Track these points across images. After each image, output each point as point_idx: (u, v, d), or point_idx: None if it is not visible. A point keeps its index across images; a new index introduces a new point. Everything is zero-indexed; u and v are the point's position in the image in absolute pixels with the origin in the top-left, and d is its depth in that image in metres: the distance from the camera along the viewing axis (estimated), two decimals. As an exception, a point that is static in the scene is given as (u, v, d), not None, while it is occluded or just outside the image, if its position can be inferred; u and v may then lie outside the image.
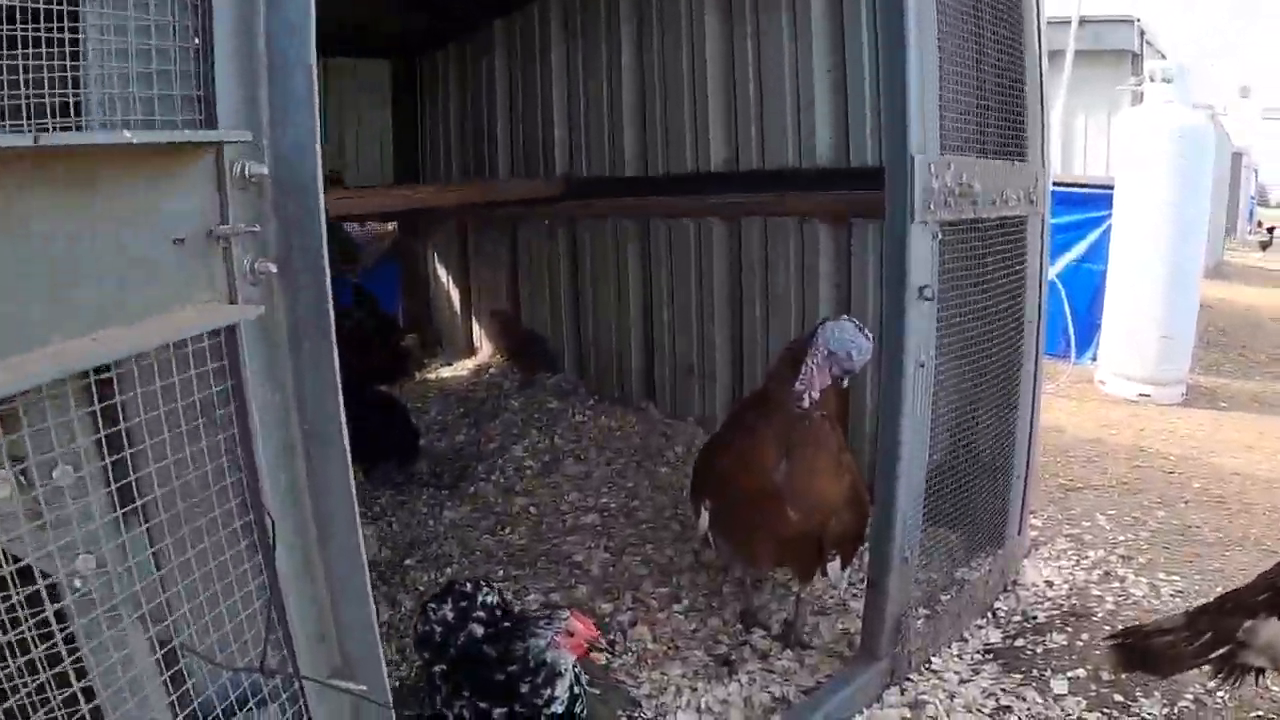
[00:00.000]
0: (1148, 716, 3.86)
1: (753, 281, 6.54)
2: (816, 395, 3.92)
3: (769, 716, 3.91)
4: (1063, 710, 3.95)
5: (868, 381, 5.48)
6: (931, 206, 3.64)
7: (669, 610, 4.74)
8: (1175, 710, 3.85)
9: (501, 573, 5.18)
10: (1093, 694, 4.03)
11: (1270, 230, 21.28)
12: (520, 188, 8.00)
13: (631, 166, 7.34)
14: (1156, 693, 3.96)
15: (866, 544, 4.32)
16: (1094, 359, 9.73)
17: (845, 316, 3.99)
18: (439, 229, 10.23)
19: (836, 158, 5.87)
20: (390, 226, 10.91)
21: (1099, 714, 3.91)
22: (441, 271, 10.30)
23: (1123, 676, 4.06)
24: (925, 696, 4.03)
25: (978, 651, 4.43)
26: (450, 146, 9.84)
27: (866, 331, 3.85)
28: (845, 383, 3.98)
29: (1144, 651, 3.76)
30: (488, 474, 6.57)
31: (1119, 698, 3.97)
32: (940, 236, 3.76)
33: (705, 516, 4.29)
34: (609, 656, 4.17)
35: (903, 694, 4.07)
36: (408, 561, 5.34)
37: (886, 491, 3.87)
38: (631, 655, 4.36)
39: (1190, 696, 3.92)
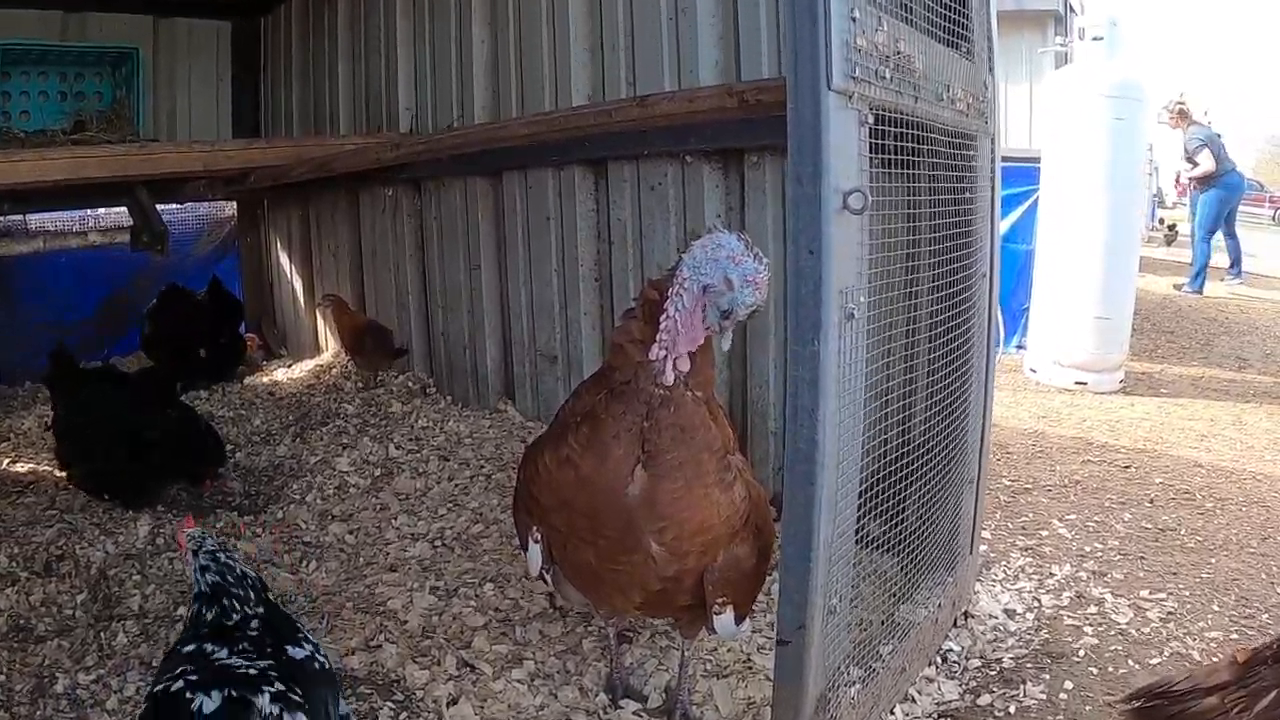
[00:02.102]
0: None
1: (624, 249, 5.41)
2: (685, 365, 2.64)
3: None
4: (1057, 805, 2.86)
5: (770, 346, 4.30)
6: (857, 73, 2.40)
7: (506, 677, 3.46)
8: None
9: (291, 624, 3.88)
10: (1096, 773, 2.97)
11: (1172, 227, 21.25)
12: (355, 142, 6.97)
13: (483, 115, 6.29)
14: None
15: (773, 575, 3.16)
16: (1020, 347, 8.81)
17: (723, 228, 2.64)
18: (281, 212, 9.00)
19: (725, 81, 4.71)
20: (228, 211, 9.61)
21: (1112, 805, 2.85)
22: (284, 260, 9.08)
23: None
24: (863, 801, 2.84)
25: (930, 715, 3.31)
26: (292, 110, 8.69)
27: (758, 252, 2.54)
28: (727, 340, 2.66)
29: (1178, 718, 2.70)
30: (303, 494, 5.29)
31: None
32: (871, 125, 2.53)
33: (536, 550, 3.01)
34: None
35: (833, 796, 2.85)
36: (181, 610, 4.02)
37: (802, 515, 2.59)
38: (446, 746, 3.10)
39: None
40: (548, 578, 3.10)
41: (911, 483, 3.34)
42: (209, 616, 2.73)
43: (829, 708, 2.76)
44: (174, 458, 5.10)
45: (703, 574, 2.82)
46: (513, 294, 6.22)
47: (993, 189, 3.75)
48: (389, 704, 3.28)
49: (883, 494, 3.12)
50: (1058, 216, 8.11)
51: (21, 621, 3.96)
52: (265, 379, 8.00)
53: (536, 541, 2.99)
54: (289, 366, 8.35)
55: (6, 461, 6.06)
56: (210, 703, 2.34)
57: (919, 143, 2.93)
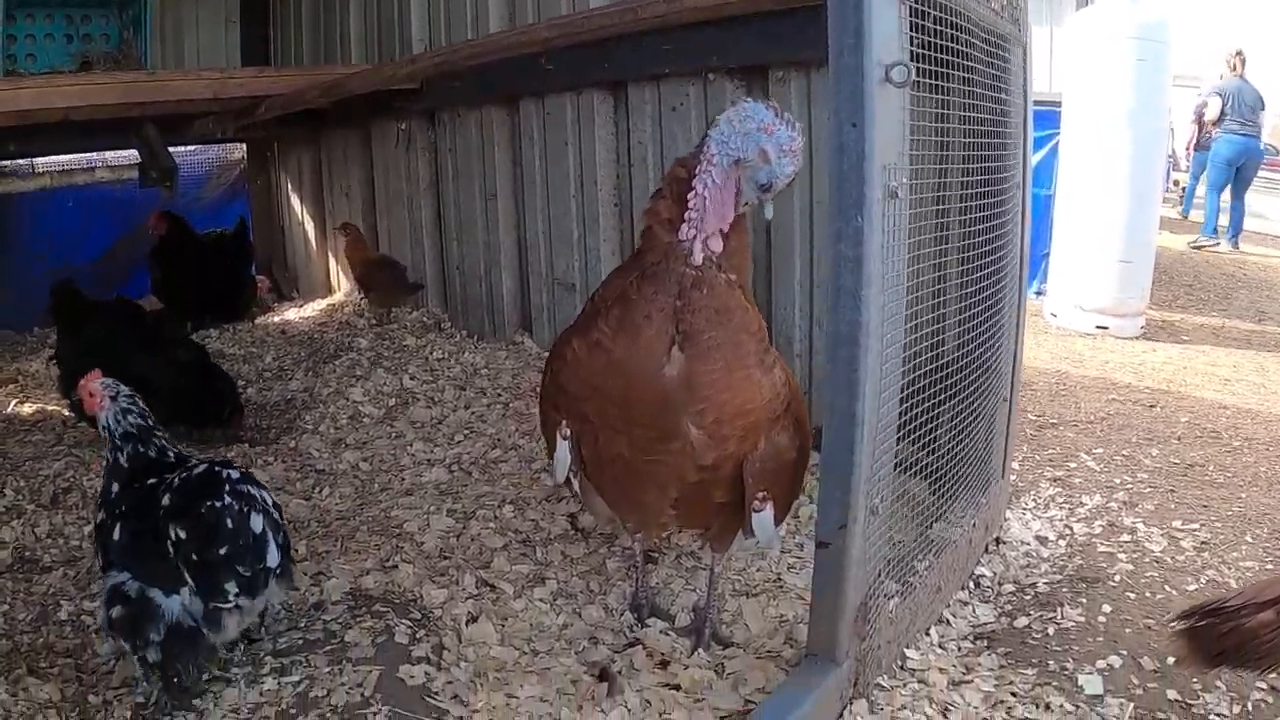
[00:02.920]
0: (1217, 717, 2.75)
1: (645, 173, 5.25)
2: (716, 245, 2.53)
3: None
4: (1102, 719, 2.73)
5: (795, 266, 4.17)
6: (897, -57, 2.26)
7: (528, 596, 3.36)
8: (1248, 706, 2.80)
9: (304, 547, 3.80)
10: (1138, 691, 2.87)
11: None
12: (365, 72, 6.73)
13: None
14: (1220, 685, 2.87)
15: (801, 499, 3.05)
16: (1039, 293, 8.65)
17: (748, 99, 2.52)
18: (291, 154, 8.84)
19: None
20: (238, 153, 9.48)
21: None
22: (295, 202, 8.92)
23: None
24: (907, 713, 2.71)
25: (966, 637, 3.19)
26: (302, 47, 8.47)
27: (789, 117, 2.42)
28: (769, 209, 2.52)
29: (1232, 635, 2.54)
30: (315, 424, 5.18)
31: (1174, 695, 2.85)
32: (914, 3, 2.40)
33: (564, 447, 2.85)
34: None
35: (873, 710, 2.73)
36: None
37: (845, 404, 2.45)
38: (465, 668, 2.98)
39: (1264, 687, 2.87)
40: (575, 483, 2.95)
41: (944, 400, 3.21)
42: (151, 453, 2.98)
43: (869, 618, 2.65)
44: (183, 403, 4.97)
45: (742, 464, 2.70)
46: (529, 223, 6.08)
47: (1025, 101, 3.63)
48: (405, 621, 3.17)
49: (914, 413, 2.98)
50: (1080, 159, 7.96)
51: (27, 553, 3.89)
52: (276, 318, 7.86)
53: (565, 438, 2.83)
54: (300, 306, 8.22)
55: (15, 403, 5.98)
56: (234, 474, 2.79)
57: (957, 30, 2.79)
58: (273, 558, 2.77)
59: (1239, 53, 12.83)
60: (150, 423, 3.04)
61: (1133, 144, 7.65)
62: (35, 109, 5.47)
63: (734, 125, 2.44)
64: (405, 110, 6.87)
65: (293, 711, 2.75)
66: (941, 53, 2.69)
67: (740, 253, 2.63)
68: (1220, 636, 2.58)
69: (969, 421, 3.40)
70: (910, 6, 2.41)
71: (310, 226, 8.67)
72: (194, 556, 2.68)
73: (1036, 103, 8.27)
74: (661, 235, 2.59)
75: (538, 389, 4.99)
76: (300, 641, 3.11)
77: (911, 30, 2.45)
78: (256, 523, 2.74)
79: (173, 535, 2.70)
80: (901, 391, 2.84)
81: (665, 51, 4.75)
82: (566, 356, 2.78)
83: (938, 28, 2.62)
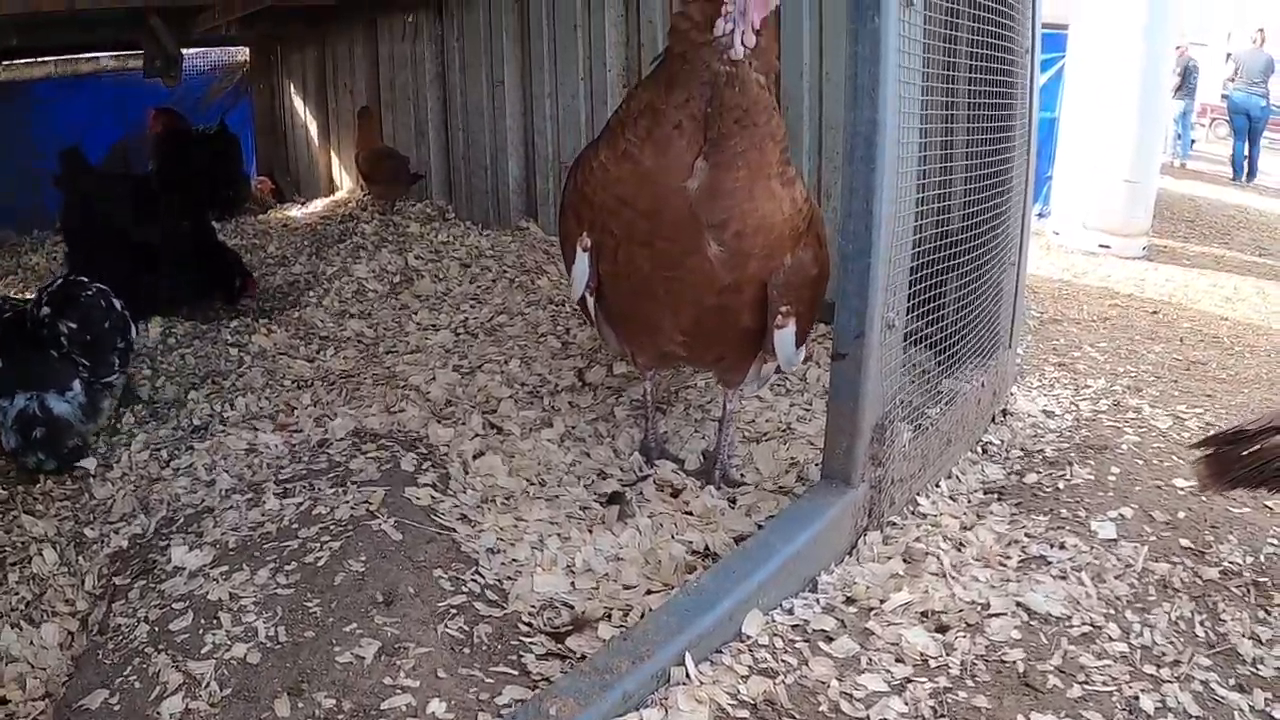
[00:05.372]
0: (1231, 565, 2.72)
1: (655, 52, 5.07)
2: (751, 40, 2.40)
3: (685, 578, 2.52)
4: (1119, 559, 2.72)
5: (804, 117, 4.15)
6: None
7: (535, 438, 3.34)
8: (1260, 558, 2.77)
9: (308, 397, 3.81)
10: (1151, 538, 2.84)
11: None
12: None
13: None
14: (1233, 536, 2.86)
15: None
16: (1041, 215, 8.60)
17: None
18: (295, 56, 8.75)
19: None
20: (240, 57, 9.40)
21: (1167, 564, 2.70)
22: (298, 104, 8.87)
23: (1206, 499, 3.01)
24: (920, 544, 2.70)
25: (976, 491, 3.17)
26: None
27: None
28: None
29: (1251, 458, 2.56)
30: (320, 298, 5.17)
31: (1187, 543, 2.83)
32: None
33: (584, 260, 2.77)
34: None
35: (887, 542, 2.72)
36: (193, 395, 4.02)
37: (862, 206, 2.41)
38: (472, 495, 2.97)
39: (1275, 541, 2.85)
40: (590, 301, 2.88)
41: (950, 270, 3.16)
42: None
43: (884, 440, 2.62)
44: (187, 273, 4.97)
45: (764, 284, 2.64)
46: (537, 108, 5.99)
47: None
48: (411, 454, 3.17)
49: (921, 282, 2.93)
50: (1087, 79, 7.92)
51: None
52: (278, 215, 7.82)
53: (585, 250, 2.74)
54: (303, 205, 8.18)
55: (16, 291, 6.05)
56: (83, 279, 3.60)
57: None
58: (133, 333, 3.63)
59: (1260, 30, 15.64)
60: None
61: (1144, 59, 7.60)
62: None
63: None
64: (413, 2, 6.79)
65: (294, 526, 2.75)
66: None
67: (769, 51, 2.50)
68: (1240, 459, 2.58)
69: (976, 285, 3.36)
70: None
71: (313, 128, 8.62)
72: (87, 338, 3.45)
73: (1045, 26, 8.29)
74: (694, 36, 2.46)
75: (544, 268, 5.02)
76: (304, 471, 3.11)
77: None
78: (118, 304, 3.57)
79: (64, 329, 3.42)
80: (911, 263, 2.78)
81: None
82: (592, 166, 2.69)
83: None
